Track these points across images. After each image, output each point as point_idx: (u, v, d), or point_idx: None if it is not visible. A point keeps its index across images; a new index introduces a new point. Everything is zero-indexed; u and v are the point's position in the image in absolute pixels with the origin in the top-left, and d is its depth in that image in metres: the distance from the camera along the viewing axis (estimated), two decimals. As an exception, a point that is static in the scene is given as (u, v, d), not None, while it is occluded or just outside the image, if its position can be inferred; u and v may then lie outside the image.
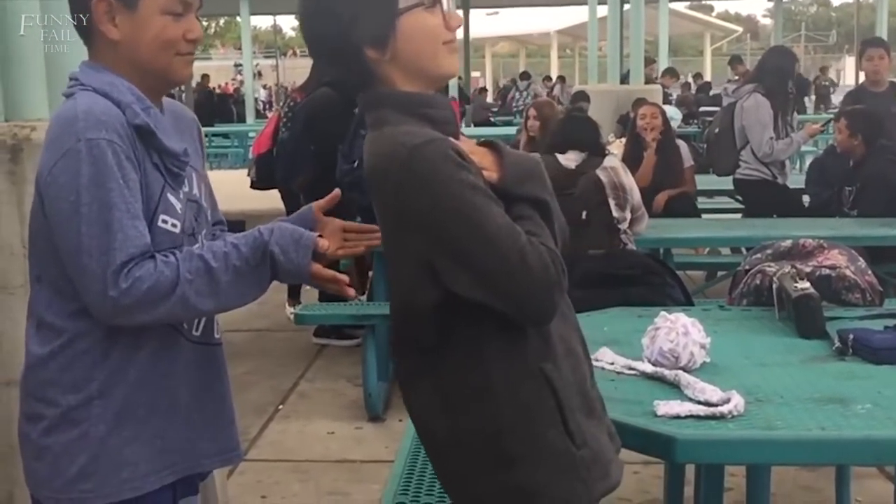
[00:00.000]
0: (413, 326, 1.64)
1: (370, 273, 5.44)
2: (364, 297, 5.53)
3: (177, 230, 1.72)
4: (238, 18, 26.65)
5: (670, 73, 16.02)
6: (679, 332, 2.33)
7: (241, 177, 6.86)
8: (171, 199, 1.72)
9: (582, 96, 10.21)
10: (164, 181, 1.72)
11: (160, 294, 1.62)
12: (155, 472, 1.74)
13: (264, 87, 33.92)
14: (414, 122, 1.62)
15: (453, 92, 8.98)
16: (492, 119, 17.73)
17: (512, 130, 10.24)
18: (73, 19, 1.75)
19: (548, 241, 1.58)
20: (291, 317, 5.72)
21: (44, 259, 1.73)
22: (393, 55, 1.63)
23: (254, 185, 6.13)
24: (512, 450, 1.60)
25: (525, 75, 20.52)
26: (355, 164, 5.01)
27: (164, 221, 1.70)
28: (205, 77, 22.13)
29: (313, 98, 5.49)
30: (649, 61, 14.35)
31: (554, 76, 24.34)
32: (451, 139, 1.61)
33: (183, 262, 1.65)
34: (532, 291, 1.53)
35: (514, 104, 18.72)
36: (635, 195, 4.37)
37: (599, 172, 4.34)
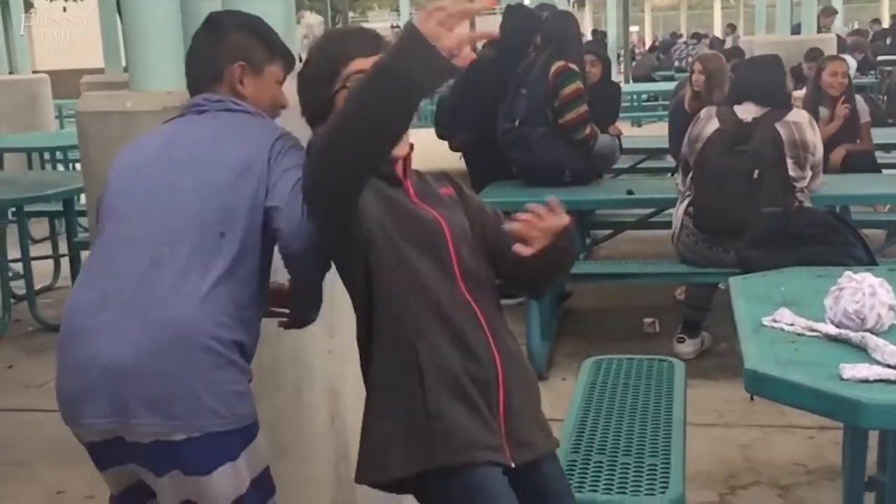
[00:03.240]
0: None
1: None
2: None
3: None
4: (395, -20, 26.83)
5: (825, 12, 15.05)
6: (865, 292, 2.23)
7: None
8: None
9: (737, 52, 9.72)
10: None
11: None
12: None
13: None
14: None
15: (600, 45, 8.44)
16: (654, 76, 17.28)
17: (671, 86, 9.95)
18: (203, 72, 2.12)
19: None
20: None
21: None
22: None
23: None
24: (379, 404, 1.95)
25: (696, 35, 19.89)
26: (516, 122, 5.01)
27: None
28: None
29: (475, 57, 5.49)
30: (830, 11, 13.55)
31: (717, 30, 23.46)
32: None
33: None
34: None
35: (675, 58, 18.21)
36: (818, 153, 4.19)
37: (779, 127, 4.16)
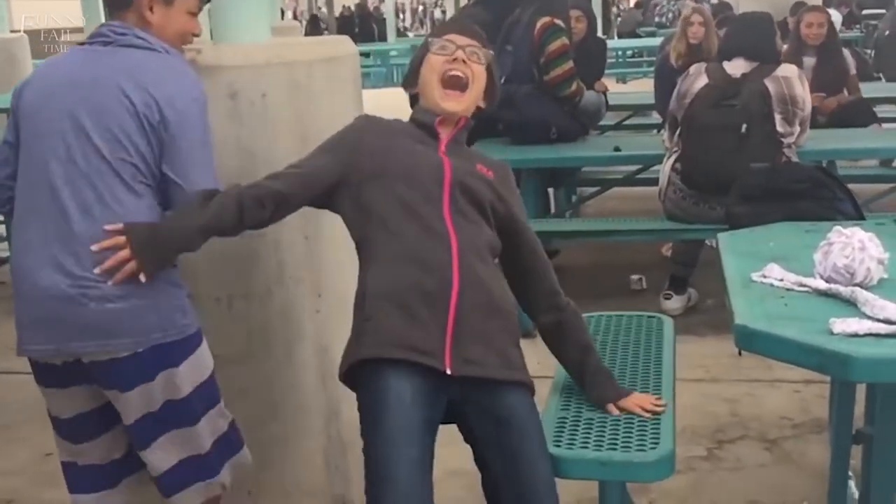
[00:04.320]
0: None
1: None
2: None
3: None
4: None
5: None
6: (855, 247, 2.23)
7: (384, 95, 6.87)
8: None
9: (725, 7, 9.66)
10: None
11: None
12: None
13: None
14: None
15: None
16: (638, 31, 17.18)
17: (656, 42, 9.87)
18: None
19: None
20: None
21: None
22: None
23: None
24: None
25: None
26: (502, 79, 4.95)
27: None
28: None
29: (463, 14, 5.43)
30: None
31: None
32: None
33: None
34: None
35: (657, 14, 18.08)
36: (807, 108, 4.17)
37: (768, 82, 4.14)
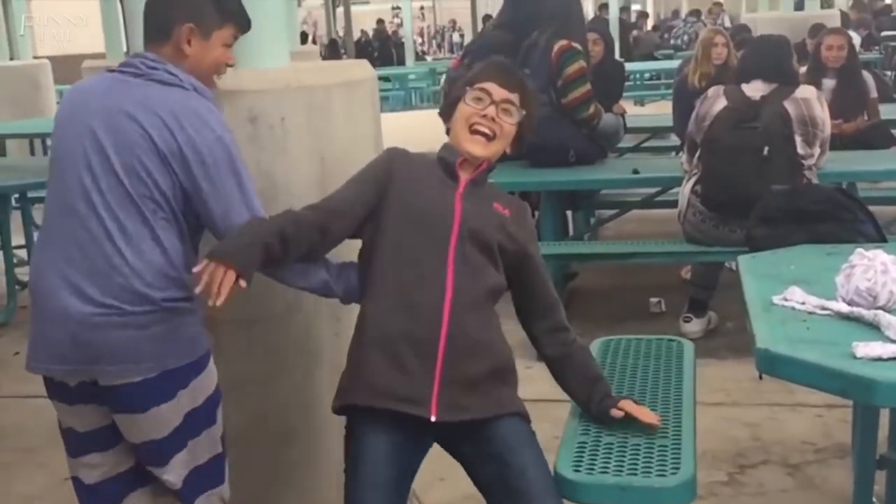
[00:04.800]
0: None
1: (536, 213, 5.40)
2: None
3: None
4: (396, -39, 26.71)
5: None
6: (877, 269, 2.22)
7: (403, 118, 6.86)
8: None
9: (743, 29, 9.65)
10: None
11: None
12: None
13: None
14: None
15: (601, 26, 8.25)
16: (655, 55, 17.18)
17: (674, 64, 9.85)
18: (153, 26, 2.22)
19: None
20: None
21: None
22: None
23: None
24: None
25: (695, 13, 19.76)
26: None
27: None
28: (380, 22, 22.77)
29: (485, 37, 5.44)
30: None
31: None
32: None
33: None
34: None
35: (672, 37, 18.07)
36: (826, 129, 4.14)
37: (787, 104, 4.13)
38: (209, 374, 2.25)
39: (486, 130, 2.34)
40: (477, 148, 2.34)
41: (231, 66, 2.32)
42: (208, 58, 2.23)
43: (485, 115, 2.34)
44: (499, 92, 2.35)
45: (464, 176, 2.37)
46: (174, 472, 2.22)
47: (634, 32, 18.42)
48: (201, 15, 2.20)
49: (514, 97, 2.37)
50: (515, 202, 2.45)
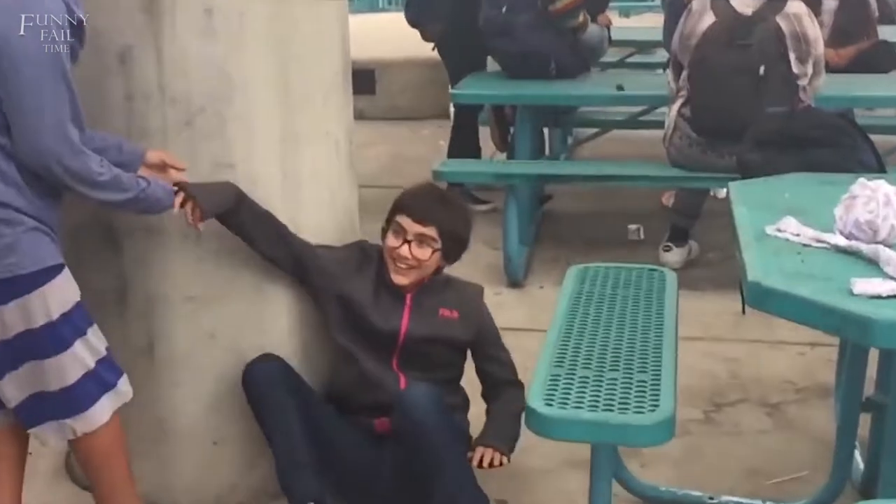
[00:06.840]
0: None
1: (511, 129, 5.19)
2: (504, 156, 5.30)
3: None
4: None
5: None
6: (880, 201, 2.07)
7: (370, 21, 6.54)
8: None
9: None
10: None
11: None
12: None
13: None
14: None
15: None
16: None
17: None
18: None
19: None
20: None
21: None
22: None
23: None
24: None
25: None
26: (503, 9, 4.71)
27: None
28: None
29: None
30: None
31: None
32: None
33: None
34: None
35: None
36: (819, 47, 3.98)
37: (780, 20, 3.94)
38: (43, 301, 2.08)
39: (403, 266, 2.48)
40: (400, 279, 2.50)
41: None
42: None
43: (400, 253, 2.48)
44: (412, 227, 2.47)
45: (409, 292, 2.52)
46: (8, 389, 2.14)
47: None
48: None
49: (430, 230, 2.47)
50: (465, 298, 2.59)
